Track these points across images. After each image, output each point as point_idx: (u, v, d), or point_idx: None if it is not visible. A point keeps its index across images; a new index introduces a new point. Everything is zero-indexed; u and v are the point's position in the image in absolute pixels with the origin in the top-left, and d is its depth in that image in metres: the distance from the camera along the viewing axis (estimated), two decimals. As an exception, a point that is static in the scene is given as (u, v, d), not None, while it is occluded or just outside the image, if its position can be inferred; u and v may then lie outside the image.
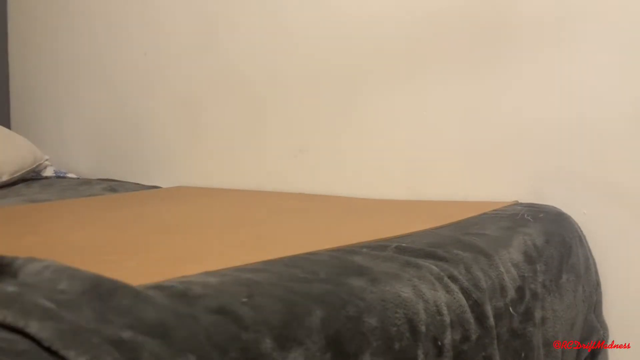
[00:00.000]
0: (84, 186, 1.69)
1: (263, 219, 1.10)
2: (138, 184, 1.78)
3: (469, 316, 0.70)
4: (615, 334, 1.12)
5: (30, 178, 1.86)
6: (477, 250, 0.82)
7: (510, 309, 0.79)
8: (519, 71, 1.21)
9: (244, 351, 0.48)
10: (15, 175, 1.76)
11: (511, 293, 0.81)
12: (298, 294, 0.57)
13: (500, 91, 1.24)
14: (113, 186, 1.68)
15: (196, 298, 0.52)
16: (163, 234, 0.94)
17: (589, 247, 1.11)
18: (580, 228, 1.12)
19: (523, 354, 0.80)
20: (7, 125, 2.30)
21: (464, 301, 0.71)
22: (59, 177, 1.96)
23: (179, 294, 0.52)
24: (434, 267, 0.72)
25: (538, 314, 0.85)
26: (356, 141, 1.45)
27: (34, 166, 1.85)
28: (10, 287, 0.47)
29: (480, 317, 0.72)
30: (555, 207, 1.14)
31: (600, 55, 1.12)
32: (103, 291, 0.49)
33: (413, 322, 0.63)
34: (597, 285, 1.10)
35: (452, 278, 0.72)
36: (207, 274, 0.61)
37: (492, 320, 0.74)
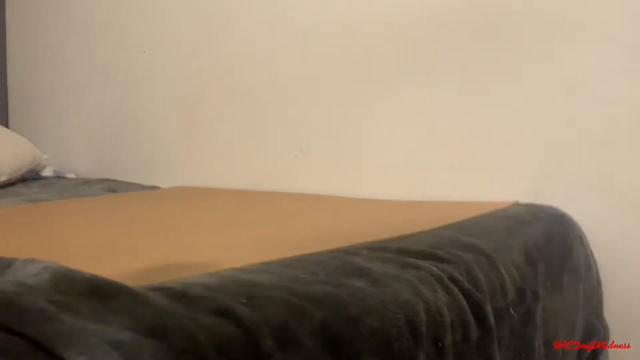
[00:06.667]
0: (83, 186, 1.69)
1: (263, 219, 1.10)
2: (137, 184, 1.78)
3: (470, 317, 0.70)
4: (615, 334, 1.12)
5: (29, 178, 1.86)
6: (478, 251, 0.82)
7: (511, 309, 0.79)
8: (520, 71, 1.21)
9: (243, 352, 0.48)
10: (14, 175, 1.75)
11: (512, 294, 0.80)
12: (298, 295, 0.57)
13: (500, 91, 1.24)
14: (112, 186, 1.68)
15: (196, 299, 0.52)
16: (162, 235, 0.94)
17: (589, 247, 1.11)
18: (580, 228, 1.12)
19: (524, 355, 0.80)
20: (6, 124, 2.30)
21: (464, 302, 0.71)
22: (58, 177, 1.96)
23: (179, 294, 0.52)
24: (434, 268, 0.72)
25: (539, 315, 0.85)
26: (356, 141, 1.45)
27: (33, 166, 1.85)
28: (9, 288, 0.47)
29: (481, 318, 0.72)
30: (556, 208, 1.14)
31: (601, 55, 1.12)
32: (102, 292, 0.49)
33: (413, 323, 0.63)
34: (598, 285, 1.10)
35: (453, 279, 0.72)
36: (207, 274, 0.61)
37: (492, 321, 0.73)
